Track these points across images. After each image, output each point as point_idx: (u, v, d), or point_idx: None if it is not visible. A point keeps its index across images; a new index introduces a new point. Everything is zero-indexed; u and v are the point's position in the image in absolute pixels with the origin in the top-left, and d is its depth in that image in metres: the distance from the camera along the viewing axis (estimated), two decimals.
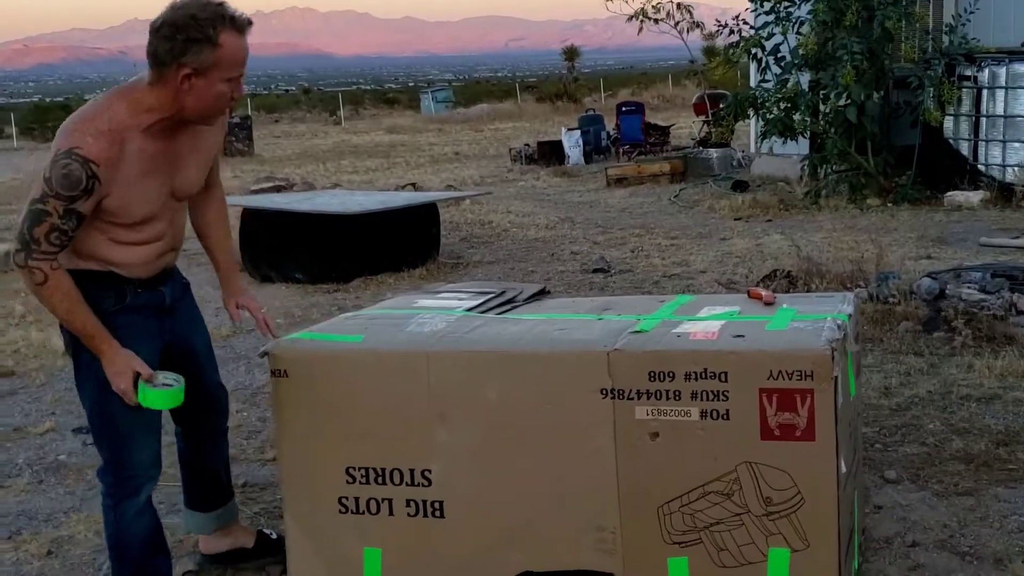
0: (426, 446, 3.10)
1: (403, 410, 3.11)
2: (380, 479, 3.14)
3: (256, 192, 14.57)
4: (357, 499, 3.16)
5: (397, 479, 3.13)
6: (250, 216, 9.28)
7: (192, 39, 2.78)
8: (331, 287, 8.47)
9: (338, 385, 3.16)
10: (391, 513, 3.14)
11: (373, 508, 3.16)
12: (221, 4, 2.84)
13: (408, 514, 3.13)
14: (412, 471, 3.11)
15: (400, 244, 9.07)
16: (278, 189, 15.02)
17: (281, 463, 3.30)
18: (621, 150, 19.24)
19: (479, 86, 67.32)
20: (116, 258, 3.00)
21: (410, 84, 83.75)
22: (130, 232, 2.98)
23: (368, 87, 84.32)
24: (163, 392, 2.98)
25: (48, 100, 61.02)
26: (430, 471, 3.10)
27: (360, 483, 3.15)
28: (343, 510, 3.18)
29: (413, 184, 15.58)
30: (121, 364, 2.93)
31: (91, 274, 2.97)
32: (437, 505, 3.12)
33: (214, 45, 2.80)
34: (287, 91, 75.25)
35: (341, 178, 17.95)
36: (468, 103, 41.78)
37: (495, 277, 8.67)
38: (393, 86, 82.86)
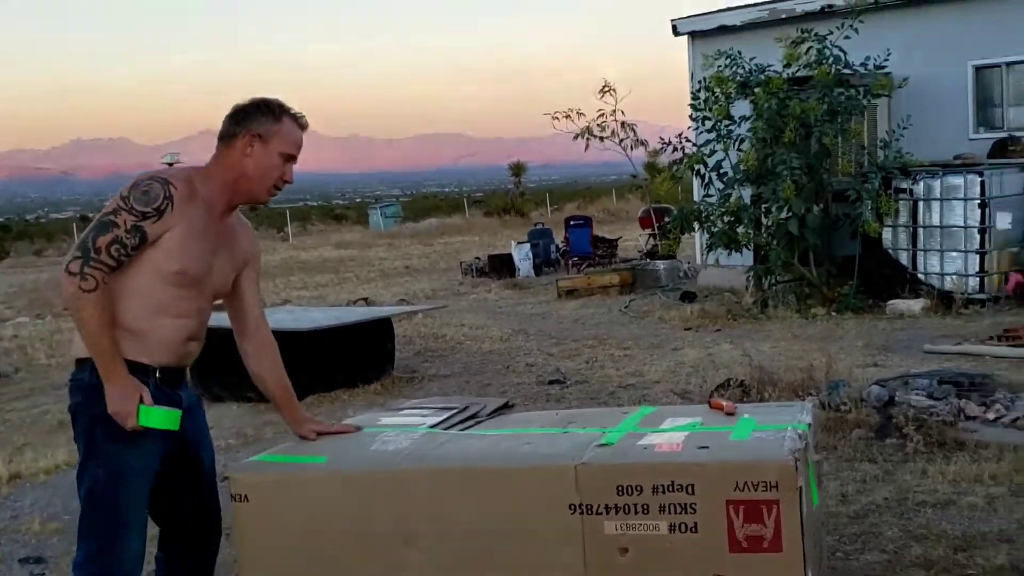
0: (393, 569, 3.07)
1: (369, 532, 3.08)
2: None
3: None
4: None
5: None
6: None
7: (260, 112, 3.24)
8: None
9: (302, 509, 3.13)
10: None
11: None
12: (285, 104, 3.31)
13: None
14: None
15: (355, 359, 9.06)
16: None
17: None
18: (570, 262, 19.49)
19: (427, 201, 68.00)
20: (149, 330, 3.12)
21: (358, 200, 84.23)
22: (170, 292, 3.13)
23: (315, 203, 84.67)
24: (164, 411, 3.08)
25: None
26: None
27: None
28: None
29: (365, 299, 15.60)
30: (131, 388, 3.04)
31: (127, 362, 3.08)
32: None
33: (277, 120, 3.24)
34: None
35: (291, 294, 17.94)
36: (417, 218, 42.14)
37: (451, 390, 8.67)
38: (341, 202, 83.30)
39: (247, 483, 3.16)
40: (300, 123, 3.32)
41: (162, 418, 3.07)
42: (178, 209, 3.08)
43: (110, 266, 3.01)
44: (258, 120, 3.23)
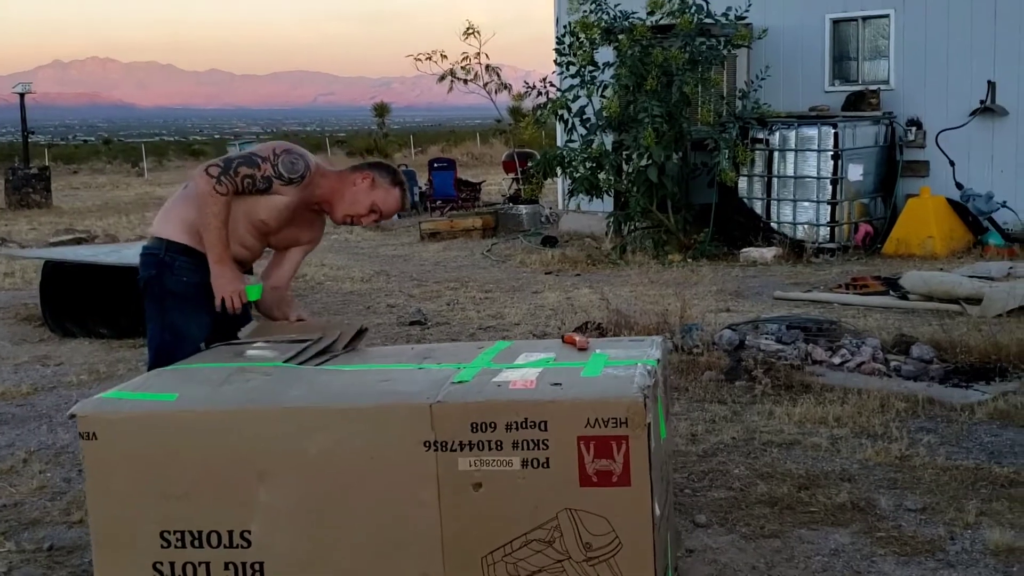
0: (245, 506, 3.03)
1: (221, 470, 3.03)
2: (197, 542, 3.04)
3: (56, 244, 13.95)
4: (172, 564, 3.06)
5: (215, 541, 3.04)
6: (52, 269, 8.89)
7: (389, 173, 4.02)
8: (137, 342, 8.14)
9: (151, 446, 3.06)
10: None
11: (190, 572, 3.06)
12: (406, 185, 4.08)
13: None
14: (230, 533, 3.04)
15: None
16: (79, 241, 14.43)
17: (92, 528, 3.15)
18: (433, 205, 19.40)
19: (287, 139, 66.52)
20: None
21: (216, 136, 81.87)
22: (244, 224, 3.83)
23: (172, 138, 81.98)
24: (258, 287, 3.92)
25: None
26: (249, 532, 3.03)
27: (176, 547, 3.05)
28: (158, 575, 3.06)
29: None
30: (238, 272, 3.82)
31: (191, 249, 3.80)
32: (257, 566, 3.04)
33: (392, 185, 3.98)
34: (86, 142, 72.28)
35: (145, 231, 17.26)
36: None
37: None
38: (199, 138, 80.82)
39: (95, 421, 3.06)
40: (402, 202, 4.04)
41: (257, 291, 3.88)
42: (298, 188, 3.79)
43: (237, 188, 3.70)
44: (383, 174, 3.98)
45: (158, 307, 3.86)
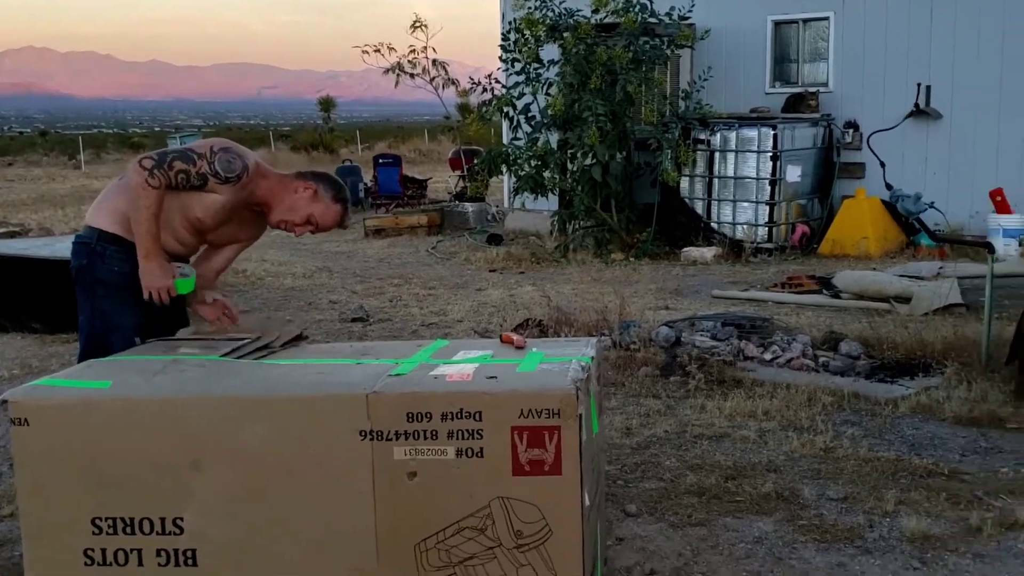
0: (178, 494, 3.06)
1: (154, 458, 3.06)
2: (129, 529, 3.07)
3: None
4: (104, 550, 3.08)
5: (147, 528, 3.07)
6: None
7: (333, 186, 4.01)
8: (71, 336, 8.09)
9: (84, 434, 3.07)
10: (140, 564, 3.08)
11: (121, 559, 3.08)
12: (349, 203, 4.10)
13: (159, 564, 3.08)
14: (163, 520, 3.07)
15: None
16: (12, 235, 14.24)
17: (22, 516, 3.15)
18: (378, 202, 19.40)
19: (230, 133, 65.86)
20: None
21: (156, 128, 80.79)
22: (178, 222, 3.82)
23: (111, 131, 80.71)
24: (189, 280, 3.84)
25: None
26: (182, 519, 3.06)
27: (107, 534, 3.07)
28: (89, 562, 3.08)
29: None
30: (167, 266, 3.77)
31: (122, 239, 3.79)
32: (189, 554, 3.08)
33: (334, 200, 3.97)
34: (21, 133, 70.98)
35: (81, 224, 17.10)
36: None
37: (250, 324, 8.57)
38: (138, 130, 79.62)
39: (27, 407, 3.07)
40: (341, 220, 4.05)
41: (189, 284, 3.83)
42: (235, 188, 3.78)
43: (170, 182, 3.67)
44: (327, 188, 3.97)
45: (89, 296, 3.87)
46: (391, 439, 3.01)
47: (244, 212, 3.94)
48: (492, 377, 3.13)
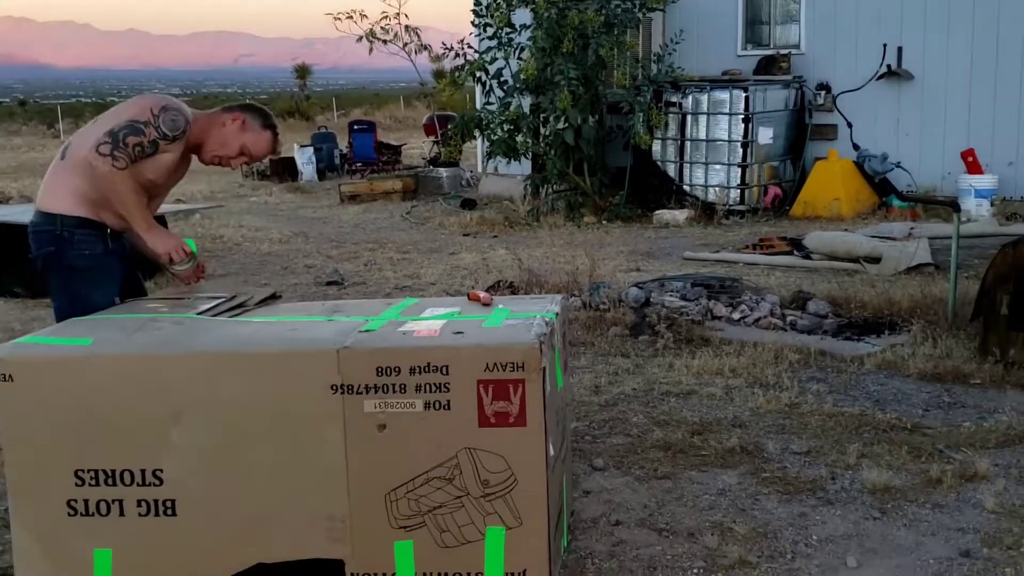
0: (157, 446, 3.16)
1: (134, 412, 3.15)
2: (110, 480, 3.17)
3: None
4: (87, 501, 3.18)
5: (128, 479, 3.17)
6: None
7: (260, 114, 4.06)
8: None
9: (67, 388, 3.17)
10: (122, 514, 3.18)
11: (103, 509, 3.18)
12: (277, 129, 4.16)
13: (139, 514, 3.18)
14: (143, 471, 3.16)
15: None
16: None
17: (7, 469, 3.25)
18: (353, 168, 19.40)
19: (208, 101, 65.33)
20: (107, 204, 3.78)
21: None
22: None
23: (89, 100, 79.91)
24: (191, 240, 4.04)
25: None
26: (161, 470, 3.16)
27: (90, 485, 3.17)
28: (72, 512, 3.18)
29: None
30: (168, 232, 3.95)
31: (88, 221, 3.80)
32: (169, 504, 3.18)
33: (263, 128, 4.03)
34: (1, 103, 70.24)
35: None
36: None
37: (227, 288, 8.64)
38: (116, 99, 78.72)
39: (11, 363, 3.15)
40: (273, 145, 4.11)
41: (192, 243, 3.97)
42: (179, 142, 3.82)
43: (132, 157, 3.68)
44: (254, 116, 4.02)
45: (61, 282, 3.86)
46: (361, 393, 3.09)
47: (180, 160, 3.97)
48: (459, 332, 3.22)
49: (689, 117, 12.75)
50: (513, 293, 7.22)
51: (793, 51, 13.40)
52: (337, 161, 19.86)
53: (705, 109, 12.63)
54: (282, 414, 3.13)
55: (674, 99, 12.80)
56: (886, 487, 4.16)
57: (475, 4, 13.31)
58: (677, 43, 12.95)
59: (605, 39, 12.48)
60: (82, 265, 3.80)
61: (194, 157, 4.07)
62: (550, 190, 13.29)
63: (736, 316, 6.80)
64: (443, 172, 16.59)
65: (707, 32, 13.85)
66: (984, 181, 11.73)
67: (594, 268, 7.66)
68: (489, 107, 13.28)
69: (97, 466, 3.17)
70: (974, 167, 11.91)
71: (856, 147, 12.76)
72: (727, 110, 12.47)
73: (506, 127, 12.97)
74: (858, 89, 12.90)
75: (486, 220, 12.57)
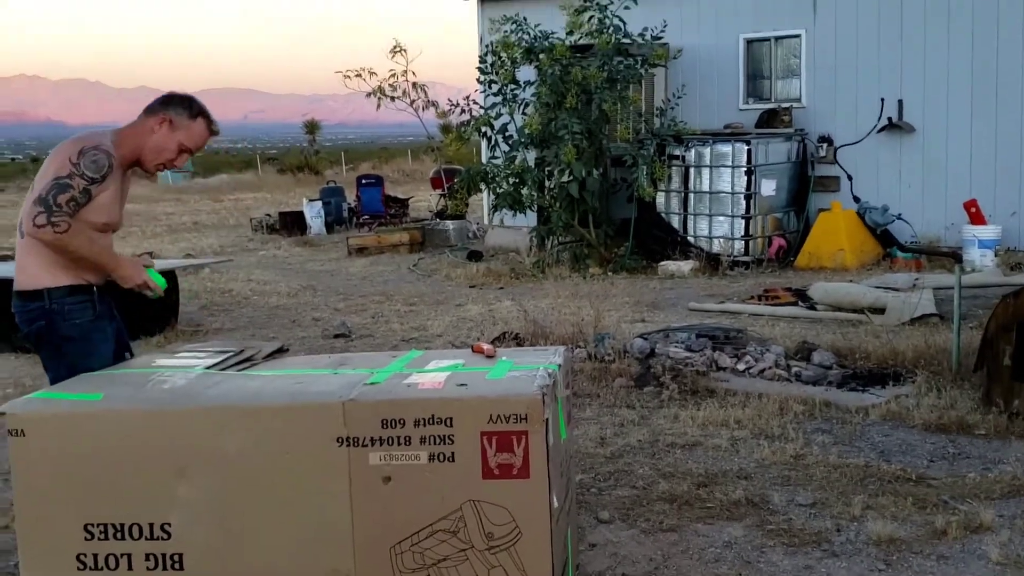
0: (165, 500, 3.19)
1: (142, 466, 3.19)
2: (119, 535, 3.20)
3: None
4: (96, 555, 3.21)
5: (136, 534, 3.20)
6: None
7: (183, 105, 3.89)
8: None
9: (77, 443, 3.21)
10: (130, 568, 3.21)
11: (112, 564, 3.21)
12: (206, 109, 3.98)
13: (147, 568, 3.21)
14: (151, 525, 3.20)
15: (137, 312, 8.88)
16: (4, 259, 14.33)
17: (18, 523, 3.29)
18: (362, 221, 19.53)
19: (218, 157, 65.90)
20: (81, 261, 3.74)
21: None
22: (101, 238, 3.78)
23: None
24: (156, 273, 3.93)
25: None
26: (169, 524, 3.19)
27: (99, 539, 3.20)
28: (81, 567, 3.21)
29: (150, 253, 15.12)
30: (137, 263, 3.90)
31: (75, 287, 3.78)
32: (176, 558, 3.21)
33: (192, 117, 3.88)
34: (13, 160, 70.85)
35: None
36: (207, 173, 40.90)
37: (235, 342, 8.69)
38: None
39: (23, 418, 3.21)
40: (211, 129, 3.97)
41: (157, 276, 3.93)
42: (113, 175, 3.71)
43: (72, 214, 3.60)
44: (179, 110, 3.86)
45: (56, 354, 3.83)
46: (366, 445, 3.13)
47: (124, 184, 3.89)
48: (462, 384, 3.26)
49: (692, 169, 12.85)
50: (519, 345, 7.25)
51: (795, 104, 13.54)
52: (345, 214, 19.99)
53: (708, 162, 12.73)
54: (288, 467, 3.16)
55: (677, 152, 12.92)
56: (891, 538, 4.16)
57: (480, 61, 13.50)
58: (680, 97, 13.11)
59: (608, 94, 12.62)
60: (76, 335, 3.78)
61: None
62: (555, 242, 13.37)
63: (741, 367, 6.82)
64: (450, 224, 16.71)
65: (709, 87, 14.01)
66: (988, 232, 11.79)
67: (599, 319, 7.71)
68: (495, 161, 13.41)
69: (107, 520, 3.20)
70: (977, 218, 11.97)
71: (856, 199, 12.84)
72: (730, 162, 12.57)
73: (511, 180, 13.11)
74: (859, 142, 13.01)
75: (492, 272, 12.63)
